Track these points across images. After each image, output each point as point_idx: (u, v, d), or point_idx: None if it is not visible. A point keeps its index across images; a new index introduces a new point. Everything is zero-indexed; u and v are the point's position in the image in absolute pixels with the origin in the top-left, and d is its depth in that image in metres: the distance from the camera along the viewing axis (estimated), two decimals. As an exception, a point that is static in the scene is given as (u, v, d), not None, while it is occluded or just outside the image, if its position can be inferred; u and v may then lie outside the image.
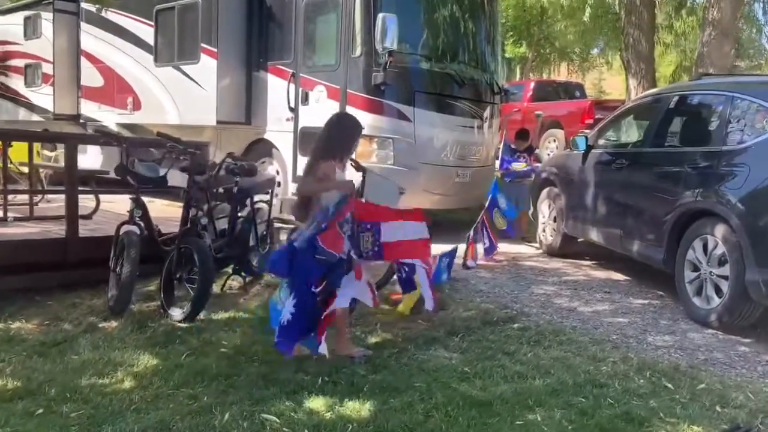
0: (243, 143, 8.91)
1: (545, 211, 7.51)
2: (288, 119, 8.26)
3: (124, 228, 4.91)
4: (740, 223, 4.40)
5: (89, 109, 10.93)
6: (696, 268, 4.83)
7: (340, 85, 7.72)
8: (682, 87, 5.59)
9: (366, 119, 7.49)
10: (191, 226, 4.90)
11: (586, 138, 6.56)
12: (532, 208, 7.87)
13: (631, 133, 6.88)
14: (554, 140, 14.42)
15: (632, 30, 10.58)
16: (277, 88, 8.38)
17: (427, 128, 7.84)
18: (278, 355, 3.83)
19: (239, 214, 5.65)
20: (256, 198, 5.71)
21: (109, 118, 10.51)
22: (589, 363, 3.91)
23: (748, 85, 5.28)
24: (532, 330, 4.49)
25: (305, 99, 8.07)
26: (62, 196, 5.92)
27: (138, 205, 4.95)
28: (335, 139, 4.15)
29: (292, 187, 8.16)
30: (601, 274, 6.43)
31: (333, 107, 7.76)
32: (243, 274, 5.57)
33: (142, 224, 4.99)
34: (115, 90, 10.32)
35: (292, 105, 8.18)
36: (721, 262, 4.61)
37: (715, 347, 4.35)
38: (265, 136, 8.62)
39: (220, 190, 5.52)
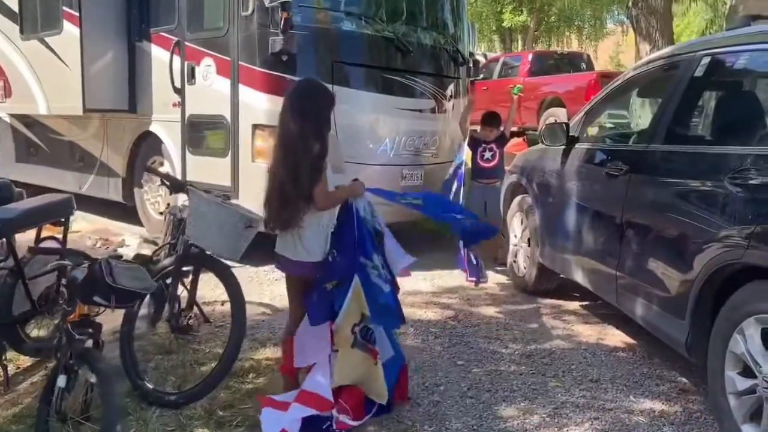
0: (131, 137, 6.82)
1: (517, 228, 5.32)
2: (175, 104, 6.15)
3: None
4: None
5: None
6: (749, 372, 2.62)
7: (230, 57, 5.57)
8: (716, 42, 3.34)
9: (263, 103, 5.42)
10: None
11: (567, 126, 4.33)
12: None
13: (633, 118, 4.60)
14: (555, 120, 12.15)
15: (643, -22, 8.21)
16: (163, 63, 6.24)
17: (354, 114, 5.65)
18: None
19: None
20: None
21: (-18, 107, 8.43)
22: None
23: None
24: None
25: (191, 76, 5.93)
26: None
27: None
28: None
29: (182, 198, 6.07)
30: (596, 334, 4.23)
31: (223, 86, 5.66)
32: (5, 359, 3.48)
33: None
34: (-13, 72, 8.23)
35: (178, 84, 6.06)
36: (800, 373, 2.42)
37: None
38: (151, 128, 6.50)
39: None
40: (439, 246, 6.00)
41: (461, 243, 4.62)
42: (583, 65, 14.87)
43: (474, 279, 4.81)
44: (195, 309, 3.48)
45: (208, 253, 3.34)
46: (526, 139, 12.36)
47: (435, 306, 4.76)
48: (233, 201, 5.43)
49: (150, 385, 3.27)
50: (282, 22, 5.08)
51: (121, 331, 3.39)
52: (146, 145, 6.72)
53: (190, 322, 3.36)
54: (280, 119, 2.98)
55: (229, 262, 3.49)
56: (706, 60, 3.24)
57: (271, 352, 3.76)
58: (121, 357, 3.35)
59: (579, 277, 4.19)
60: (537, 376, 3.53)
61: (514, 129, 11.04)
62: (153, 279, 3.42)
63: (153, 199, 6.70)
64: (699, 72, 3.25)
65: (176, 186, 3.50)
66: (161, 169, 6.60)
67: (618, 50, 36.71)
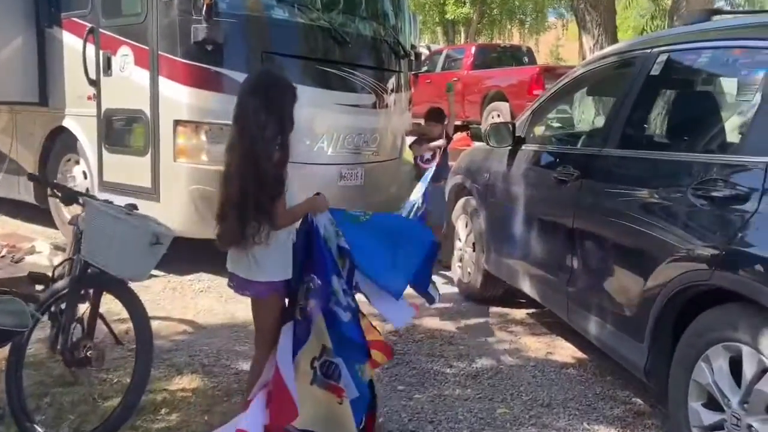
0: (43, 132, 6.21)
1: (461, 231, 5.02)
2: (90, 97, 5.59)
3: None
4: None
5: None
6: (716, 404, 2.37)
7: (149, 46, 5.07)
8: (674, 38, 3.09)
9: (185, 97, 4.97)
10: None
11: (513, 126, 4.05)
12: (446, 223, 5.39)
13: (583, 119, 4.36)
14: (498, 115, 12.01)
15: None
16: (76, 52, 5.67)
17: (287, 109, 5.23)
18: None
19: None
20: None
21: None
22: None
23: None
24: None
25: (107, 66, 5.39)
26: None
27: None
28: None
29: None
30: (545, 347, 3.96)
31: (142, 78, 5.16)
32: None
33: None
34: None
35: (93, 75, 5.51)
36: (774, 409, 2.18)
37: None
38: (65, 123, 5.92)
39: None
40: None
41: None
42: (526, 59, 14.83)
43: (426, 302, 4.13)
44: (97, 336, 3.03)
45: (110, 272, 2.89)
46: (469, 134, 12.17)
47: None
48: (153, 204, 5.06)
49: (41, 429, 2.81)
50: (205, 9, 4.63)
51: (7, 363, 2.92)
52: (60, 142, 6.13)
53: (89, 354, 2.89)
54: (236, 117, 2.57)
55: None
56: (663, 57, 2.98)
57: (188, 381, 3.34)
58: (7, 394, 2.87)
59: (527, 287, 3.92)
60: (484, 401, 3.24)
61: (458, 123, 10.82)
62: (45, 304, 2.99)
63: (68, 201, 6.11)
64: (656, 70, 3.00)
65: (68, 197, 3.04)
66: (76, 169, 6.08)
67: (558, 44, 37.18)
